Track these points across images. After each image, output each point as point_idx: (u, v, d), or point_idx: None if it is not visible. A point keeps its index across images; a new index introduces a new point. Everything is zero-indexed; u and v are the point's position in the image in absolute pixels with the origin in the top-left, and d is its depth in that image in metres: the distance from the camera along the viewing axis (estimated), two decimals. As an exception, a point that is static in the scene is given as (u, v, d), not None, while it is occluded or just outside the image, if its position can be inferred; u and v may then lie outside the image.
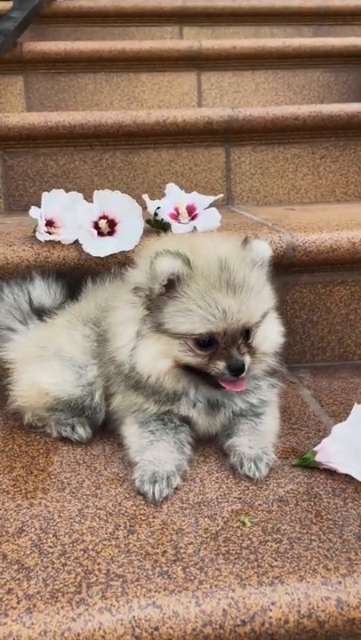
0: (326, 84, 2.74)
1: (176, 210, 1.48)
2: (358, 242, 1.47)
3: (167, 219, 1.47)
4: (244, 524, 0.92)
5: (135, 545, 0.88)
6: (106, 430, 1.21)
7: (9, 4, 2.76)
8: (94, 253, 1.36)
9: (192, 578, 0.80)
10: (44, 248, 1.40)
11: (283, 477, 1.05)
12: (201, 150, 2.07)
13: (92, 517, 0.94)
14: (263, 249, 1.10)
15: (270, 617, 0.77)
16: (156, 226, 1.48)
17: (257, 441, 1.08)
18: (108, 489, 1.03)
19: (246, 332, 1.05)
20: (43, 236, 1.39)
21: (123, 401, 1.13)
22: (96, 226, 1.38)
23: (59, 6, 3.00)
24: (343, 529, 0.90)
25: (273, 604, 0.77)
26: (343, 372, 1.54)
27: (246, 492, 1.01)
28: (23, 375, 1.21)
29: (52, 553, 0.86)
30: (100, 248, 1.37)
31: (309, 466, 1.07)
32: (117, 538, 0.89)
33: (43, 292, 1.33)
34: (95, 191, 1.38)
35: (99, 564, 0.84)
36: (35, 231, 1.43)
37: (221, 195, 1.70)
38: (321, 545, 0.87)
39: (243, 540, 0.88)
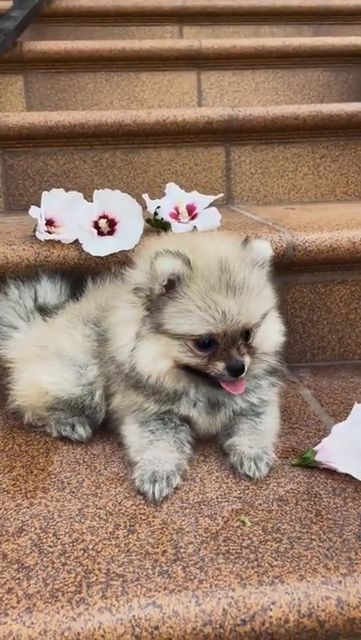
0: (326, 83, 2.74)
1: (176, 209, 1.48)
2: (358, 241, 1.47)
3: (167, 218, 1.47)
4: (244, 523, 0.92)
5: (135, 544, 0.88)
6: (106, 430, 1.21)
7: (9, 4, 2.75)
8: (94, 253, 1.36)
9: (192, 577, 0.80)
10: (44, 247, 1.40)
11: (283, 477, 1.05)
12: (201, 150, 2.07)
13: (92, 517, 0.94)
14: (264, 249, 1.09)
15: (270, 616, 0.76)
16: (157, 225, 1.48)
17: (257, 440, 1.08)
18: (108, 488, 1.03)
19: (246, 333, 1.05)
20: (43, 235, 1.39)
21: (123, 400, 1.13)
22: (96, 225, 1.37)
23: (59, 6, 3.00)
24: (343, 528, 0.90)
25: (273, 603, 0.77)
26: (343, 371, 1.54)
27: (246, 491, 1.01)
28: (23, 374, 1.21)
29: (52, 552, 0.86)
30: (100, 247, 1.37)
31: (309, 465, 1.07)
32: (117, 537, 0.89)
33: (49, 289, 1.34)
34: (95, 190, 1.38)
35: (99, 563, 0.84)
36: (35, 230, 1.43)
37: (221, 194, 1.70)
38: (321, 544, 0.87)
39: (243, 540, 0.88)
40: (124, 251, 1.38)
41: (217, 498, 0.99)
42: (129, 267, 1.14)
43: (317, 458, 1.06)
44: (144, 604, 0.76)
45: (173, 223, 1.45)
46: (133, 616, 0.75)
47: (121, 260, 1.36)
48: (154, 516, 0.94)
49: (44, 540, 0.89)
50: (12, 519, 0.95)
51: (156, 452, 1.05)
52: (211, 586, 0.79)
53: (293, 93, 2.73)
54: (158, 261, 1.00)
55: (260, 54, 2.65)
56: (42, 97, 2.60)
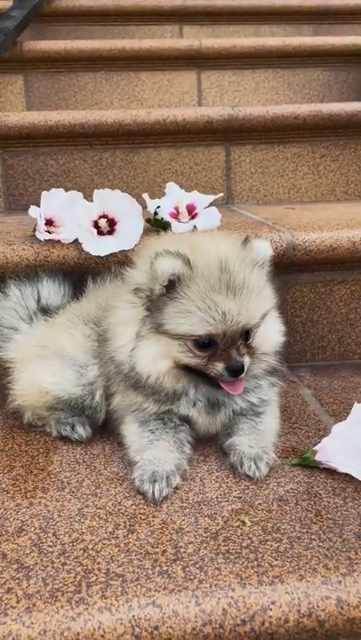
0: (326, 82, 2.74)
1: (176, 209, 1.48)
2: (358, 241, 1.47)
3: (167, 218, 1.47)
4: (244, 523, 0.92)
5: (135, 544, 0.87)
6: (106, 429, 1.20)
7: (9, 3, 2.76)
8: (94, 252, 1.36)
9: (192, 577, 0.80)
10: (44, 247, 1.40)
11: (283, 477, 1.05)
12: (201, 149, 2.06)
13: (92, 517, 0.94)
14: (264, 248, 1.09)
15: (270, 616, 0.76)
16: (156, 225, 1.48)
17: (257, 440, 1.08)
18: (107, 488, 1.03)
19: (246, 333, 1.04)
20: (42, 235, 1.39)
21: (123, 400, 1.13)
22: (96, 225, 1.37)
23: (59, 5, 3.00)
24: (343, 528, 0.90)
25: (273, 603, 0.77)
26: (343, 371, 1.54)
27: (246, 491, 1.01)
28: (23, 374, 1.21)
29: (52, 552, 0.86)
30: (99, 247, 1.36)
31: (309, 465, 1.07)
32: (117, 537, 0.89)
33: (52, 290, 1.34)
34: (95, 190, 1.38)
35: (98, 563, 0.84)
36: (34, 230, 1.43)
37: (221, 194, 1.70)
38: (321, 544, 0.87)
39: (243, 540, 0.88)
40: (123, 250, 1.37)
41: (217, 497, 0.99)
42: (129, 266, 1.14)
43: (317, 457, 1.06)
44: (144, 604, 0.76)
45: (173, 223, 1.45)
46: (133, 616, 0.75)
47: (121, 260, 1.36)
48: (154, 516, 0.94)
49: (44, 540, 0.89)
50: (11, 519, 0.95)
51: (155, 452, 1.05)
52: (210, 586, 0.79)
53: (293, 93, 2.73)
54: (158, 262, 1.00)
55: (260, 54, 2.65)
56: (42, 96, 2.60)
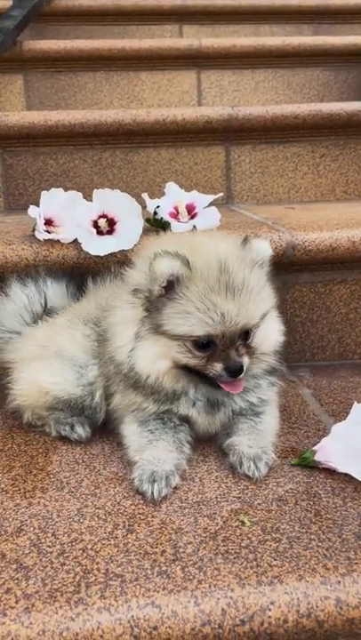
0: (326, 82, 2.74)
1: (176, 209, 1.48)
2: (358, 241, 1.47)
3: (167, 217, 1.47)
4: (243, 523, 0.92)
5: (134, 544, 0.87)
6: (105, 429, 1.20)
7: (8, 3, 2.75)
8: (93, 252, 1.36)
9: (191, 577, 0.80)
10: (43, 247, 1.40)
11: (282, 477, 1.05)
12: (201, 149, 2.06)
13: (91, 517, 0.94)
14: (264, 248, 1.09)
15: (269, 616, 0.76)
16: (156, 225, 1.48)
17: (256, 440, 1.08)
18: (107, 488, 1.02)
19: (245, 334, 1.04)
20: (42, 234, 1.39)
21: (122, 400, 1.13)
22: (95, 225, 1.37)
23: (58, 5, 3.00)
24: (342, 528, 0.90)
25: (272, 603, 0.77)
26: (343, 370, 1.54)
27: (246, 491, 1.01)
28: (23, 374, 1.21)
29: (51, 552, 0.86)
30: (99, 247, 1.36)
31: (309, 465, 1.07)
32: (116, 537, 0.89)
33: (57, 293, 1.33)
34: (95, 190, 1.38)
35: (97, 563, 0.84)
36: (34, 230, 1.42)
37: (221, 193, 1.70)
38: (320, 544, 0.87)
39: (242, 540, 0.88)
40: (123, 250, 1.37)
41: (216, 498, 0.99)
42: (128, 266, 1.14)
43: (317, 457, 1.06)
44: (143, 605, 0.76)
45: (173, 223, 1.45)
46: (132, 616, 0.75)
47: (120, 260, 1.36)
48: (153, 516, 0.94)
49: (43, 540, 0.89)
50: (10, 519, 0.94)
51: (155, 452, 1.05)
52: (210, 586, 0.79)
53: (293, 93, 2.73)
54: (157, 263, 1.00)
55: (259, 53, 2.65)
56: (41, 96, 2.60)
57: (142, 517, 0.94)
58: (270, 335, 1.11)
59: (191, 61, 2.64)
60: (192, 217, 1.47)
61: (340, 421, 1.08)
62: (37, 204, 1.40)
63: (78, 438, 1.17)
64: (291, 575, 0.80)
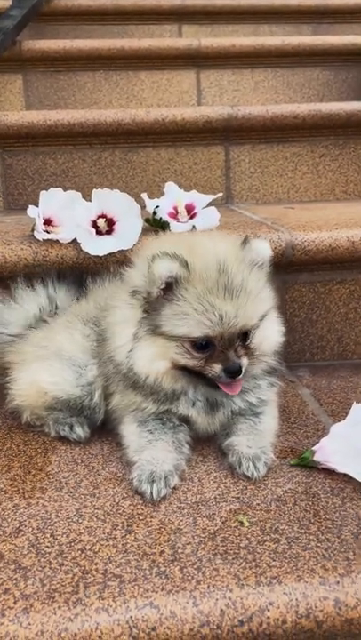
0: (326, 82, 2.74)
1: (175, 209, 1.48)
2: (358, 241, 1.47)
3: (166, 217, 1.46)
4: (242, 523, 0.92)
5: (133, 545, 0.87)
6: (104, 430, 1.20)
7: (8, 3, 2.75)
8: (93, 252, 1.36)
9: (190, 578, 0.80)
10: (43, 247, 1.39)
11: (281, 477, 1.05)
12: (200, 149, 2.06)
13: (90, 517, 0.94)
14: (263, 249, 1.09)
15: (268, 617, 0.76)
16: (155, 225, 1.48)
17: (255, 440, 1.08)
18: (106, 488, 1.02)
19: (244, 334, 1.04)
20: (41, 234, 1.39)
21: (121, 400, 1.13)
22: (95, 225, 1.37)
23: (58, 4, 3.00)
24: (341, 529, 0.90)
25: (271, 604, 0.77)
26: (342, 371, 1.54)
27: (245, 491, 1.00)
28: (22, 374, 1.21)
29: (50, 553, 0.86)
30: (98, 247, 1.36)
31: (308, 465, 1.07)
32: (115, 538, 0.89)
33: (64, 298, 1.33)
34: (94, 190, 1.37)
35: (96, 563, 0.84)
36: (33, 230, 1.42)
37: (220, 193, 1.70)
38: (319, 545, 0.87)
39: (241, 540, 0.88)
40: (122, 250, 1.37)
41: (215, 498, 0.99)
42: (128, 266, 1.14)
43: (316, 458, 1.06)
44: (141, 605, 0.76)
45: (172, 223, 1.45)
46: (131, 617, 0.75)
47: (120, 260, 1.35)
48: (152, 517, 0.94)
49: (42, 541, 0.89)
50: (9, 519, 0.94)
51: (154, 452, 1.04)
52: (208, 586, 0.79)
53: (293, 92, 2.73)
54: (156, 264, 0.99)
55: (259, 53, 2.64)
56: (41, 96, 2.60)
57: (141, 518, 0.94)
58: (270, 336, 1.11)
59: (190, 61, 2.63)
60: (191, 217, 1.47)
61: (339, 421, 1.08)
62: (36, 204, 1.40)
63: (77, 438, 1.17)
64: (289, 576, 0.80)
